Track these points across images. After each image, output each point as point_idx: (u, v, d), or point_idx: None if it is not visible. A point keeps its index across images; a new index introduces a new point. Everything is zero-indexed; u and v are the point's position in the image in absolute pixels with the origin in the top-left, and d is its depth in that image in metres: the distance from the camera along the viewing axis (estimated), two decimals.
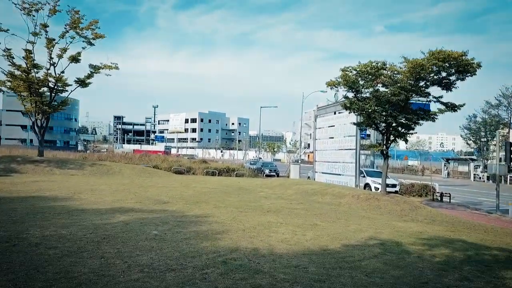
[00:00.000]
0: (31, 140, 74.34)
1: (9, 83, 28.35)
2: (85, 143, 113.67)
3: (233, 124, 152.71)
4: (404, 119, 17.70)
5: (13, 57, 27.68)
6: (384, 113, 17.66)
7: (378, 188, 22.27)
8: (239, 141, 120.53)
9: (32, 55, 28.01)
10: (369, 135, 32.64)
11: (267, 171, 40.09)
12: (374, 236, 9.74)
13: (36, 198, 14.25)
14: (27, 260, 6.39)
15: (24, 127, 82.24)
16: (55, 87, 29.73)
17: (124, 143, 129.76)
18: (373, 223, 12.19)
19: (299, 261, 6.93)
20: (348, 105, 18.64)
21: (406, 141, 19.59)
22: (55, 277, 5.55)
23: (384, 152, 18.60)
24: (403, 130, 18.44)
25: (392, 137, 18.86)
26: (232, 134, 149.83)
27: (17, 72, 28.02)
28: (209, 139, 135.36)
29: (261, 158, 71.42)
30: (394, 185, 24.02)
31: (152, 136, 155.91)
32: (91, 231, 8.81)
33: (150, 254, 7.02)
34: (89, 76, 30.59)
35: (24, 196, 14.52)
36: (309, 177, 31.28)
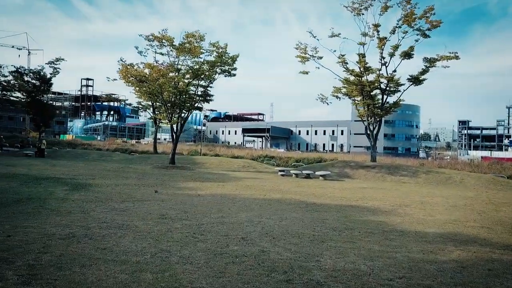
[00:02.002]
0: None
1: (344, 89, 29.14)
2: (427, 150, 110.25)
3: None
4: None
5: (347, 63, 28.27)
6: None
7: None
8: None
9: (364, 58, 27.67)
10: None
11: None
12: None
13: (355, 208, 12.33)
14: None
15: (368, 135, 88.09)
16: (387, 88, 28.27)
17: (470, 150, 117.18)
18: None
19: None
20: None
21: None
22: None
23: None
24: None
25: None
26: None
27: (351, 78, 28.38)
28: None
29: None
30: None
31: (506, 141, 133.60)
32: (403, 273, 5.56)
33: None
34: (424, 71, 27.35)
35: (343, 205, 12.93)
36: None
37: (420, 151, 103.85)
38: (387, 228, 9.09)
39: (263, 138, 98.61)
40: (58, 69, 37.45)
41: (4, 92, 36.42)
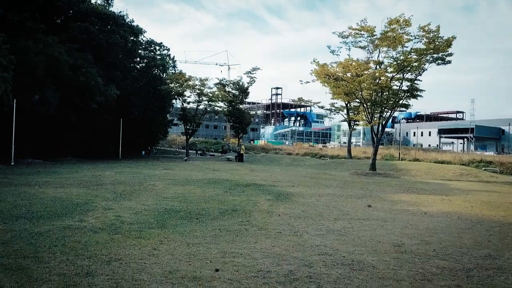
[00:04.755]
0: None
1: None
2: None
3: None
4: None
5: None
6: None
7: None
8: None
9: None
10: None
11: None
12: None
13: None
14: None
15: None
16: None
17: None
18: None
19: None
20: None
21: None
22: None
23: None
24: None
25: None
26: None
27: None
28: None
29: None
30: None
31: None
32: None
33: None
34: None
35: None
36: None
37: None
38: None
39: (465, 139, 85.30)
40: (254, 78, 39.38)
41: (210, 103, 40.25)
